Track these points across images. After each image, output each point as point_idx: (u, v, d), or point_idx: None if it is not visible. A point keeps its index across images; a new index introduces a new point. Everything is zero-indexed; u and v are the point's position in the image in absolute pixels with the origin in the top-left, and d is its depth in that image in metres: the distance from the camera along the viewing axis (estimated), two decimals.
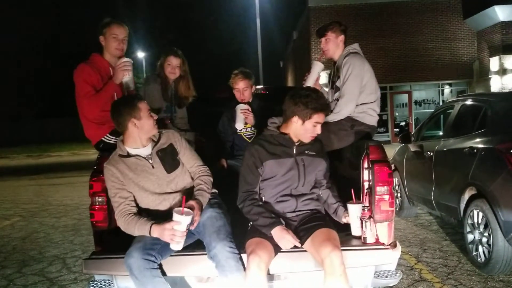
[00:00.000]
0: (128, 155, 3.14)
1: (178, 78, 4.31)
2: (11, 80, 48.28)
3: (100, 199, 3.28)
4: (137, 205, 3.14)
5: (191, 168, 3.28)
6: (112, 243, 3.28)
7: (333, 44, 4.01)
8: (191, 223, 2.90)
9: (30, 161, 24.69)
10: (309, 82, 3.97)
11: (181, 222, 2.83)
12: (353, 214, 3.14)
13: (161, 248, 2.93)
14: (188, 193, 3.15)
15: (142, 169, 3.13)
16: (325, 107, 3.16)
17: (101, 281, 3.20)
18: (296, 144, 3.21)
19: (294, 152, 3.20)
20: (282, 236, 2.94)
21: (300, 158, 3.19)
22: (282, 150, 3.19)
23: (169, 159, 3.20)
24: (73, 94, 3.67)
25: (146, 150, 3.18)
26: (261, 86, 5.90)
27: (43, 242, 6.67)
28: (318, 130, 3.15)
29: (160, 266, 2.95)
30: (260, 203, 3.16)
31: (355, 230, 3.17)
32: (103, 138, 3.66)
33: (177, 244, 2.89)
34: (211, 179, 3.29)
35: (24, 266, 5.55)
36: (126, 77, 3.70)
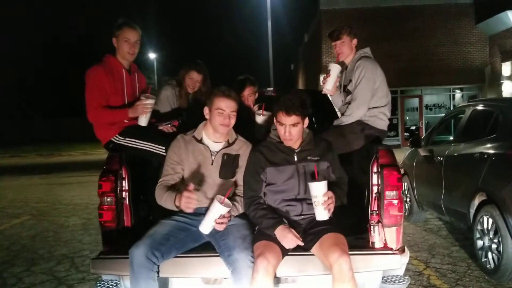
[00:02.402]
0: (200, 141, 3.25)
1: (198, 90, 4.32)
2: (23, 80, 48.72)
3: (109, 199, 3.30)
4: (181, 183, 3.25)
5: (240, 185, 3.30)
6: (120, 243, 3.29)
7: (348, 47, 3.98)
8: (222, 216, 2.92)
9: (41, 160, 24.86)
10: (329, 85, 3.93)
11: (217, 209, 2.87)
12: (314, 193, 2.93)
13: (166, 249, 2.95)
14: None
15: (202, 159, 3.23)
16: (285, 107, 3.04)
17: (108, 281, 3.22)
18: (297, 150, 3.18)
19: (296, 159, 3.17)
20: (284, 235, 2.93)
21: (301, 165, 3.15)
22: (283, 158, 3.17)
23: (229, 167, 3.26)
24: (84, 94, 3.68)
25: (216, 146, 3.28)
26: (271, 88, 5.90)
27: (52, 241, 6.72)
28: (287, 131, 3.08)
29: (167, 267, 2.96)
30: (264, 206, 3.15)
31: (319, 214, 2.96)
32: (112, 139, 3.66)
33: (206, 227, 2.94)
34: None
35: (33, 265, 5.58)
36: (143, 116, 3.68)
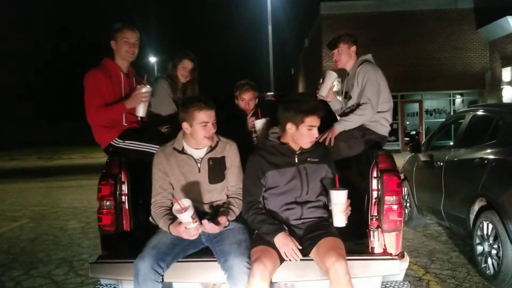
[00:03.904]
0: (182, 151, 3.19)
1: (187, 82, 4.35)
2: (24, 84, 48.78)
3: (108, 203, 3.29)
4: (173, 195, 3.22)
5: (231, 186, 3.28)
6: (119, 247, 3.29)
7: (346, 55, 4.01)
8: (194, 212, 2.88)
9: (41, 163, 24.85)
10: (323, 92, 3.95)
11: (184, 218, 2.84)
12: (336, 201, 2.96)
13: (171, 259, 2.96)
14: (216, 209, 3.19)
15: (188, 169, 3.18)
16: (316, 109, 3.06)
17: (107, 285, 3.21)
18: (297, 152, 3.17)
19: (296, 160, 3.16)
20: (286, 243, 2.92)
21: (302, 167, 3.15)
22: (284, 160, 3.16)
23: (217, 170, 3.22)
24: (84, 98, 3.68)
25: (200, 153, 3.21)
26: (272, 93, 5.88)
27: (51, 245, 6.71)
28: (315, 133, 3.09)
29: (166, 272, 2.94)
30: (264, 211, 3.14)
31: (338, 220, 2.99)
32: (112, 142, 3.65)
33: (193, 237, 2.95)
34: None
35: (32, 268, 5.57)
36: (141, 106, 3.64)
